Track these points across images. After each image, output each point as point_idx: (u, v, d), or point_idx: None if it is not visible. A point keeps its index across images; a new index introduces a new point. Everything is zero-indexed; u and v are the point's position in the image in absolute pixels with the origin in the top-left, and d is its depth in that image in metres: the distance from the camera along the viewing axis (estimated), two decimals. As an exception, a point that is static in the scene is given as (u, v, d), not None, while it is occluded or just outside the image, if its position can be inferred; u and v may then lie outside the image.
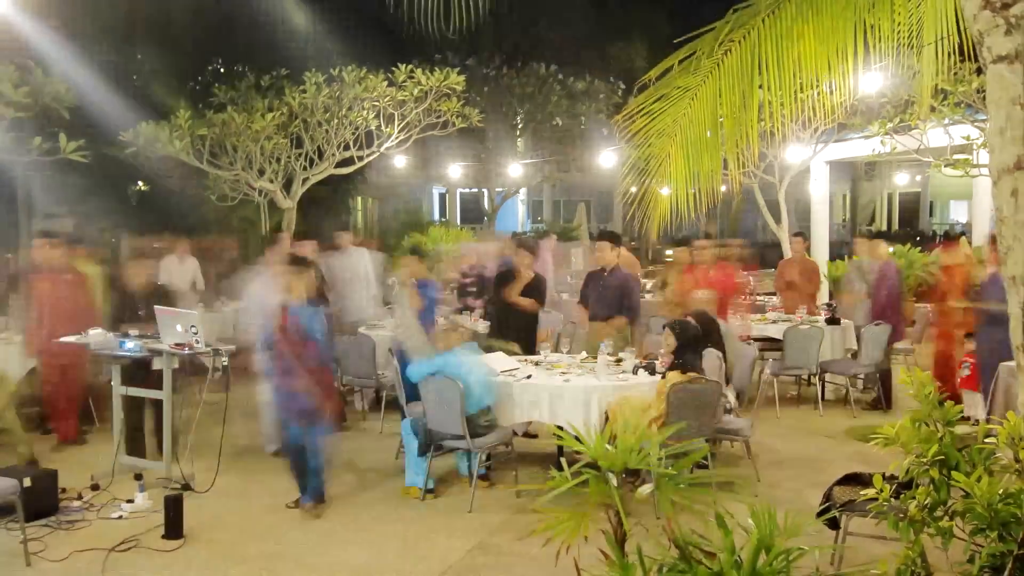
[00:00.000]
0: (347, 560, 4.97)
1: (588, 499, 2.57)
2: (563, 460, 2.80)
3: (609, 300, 7.48)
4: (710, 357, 6.28)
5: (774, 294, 11.25)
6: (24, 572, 4.81)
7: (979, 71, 5.53)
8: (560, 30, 24.15)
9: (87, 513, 5.71)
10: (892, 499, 2.71)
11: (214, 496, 6.06)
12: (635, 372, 6.35)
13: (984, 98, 5.13)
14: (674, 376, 5.86)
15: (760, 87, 4.22)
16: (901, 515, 2.65)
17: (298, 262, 6.07)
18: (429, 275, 8.13)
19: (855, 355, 8.95)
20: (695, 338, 6.11)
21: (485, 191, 24.94)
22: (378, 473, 6.68)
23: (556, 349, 8.33)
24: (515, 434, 6.52)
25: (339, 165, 11.29)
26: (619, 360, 6.70)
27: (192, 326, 6.13)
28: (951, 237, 7.56)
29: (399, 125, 10.83)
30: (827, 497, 4.55)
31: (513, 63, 22.57)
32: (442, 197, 34.44)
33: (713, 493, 2.73)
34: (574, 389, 6.11)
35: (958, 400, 6.59)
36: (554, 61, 22.87)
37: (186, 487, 6.06)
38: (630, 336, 7.49)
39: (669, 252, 27.64)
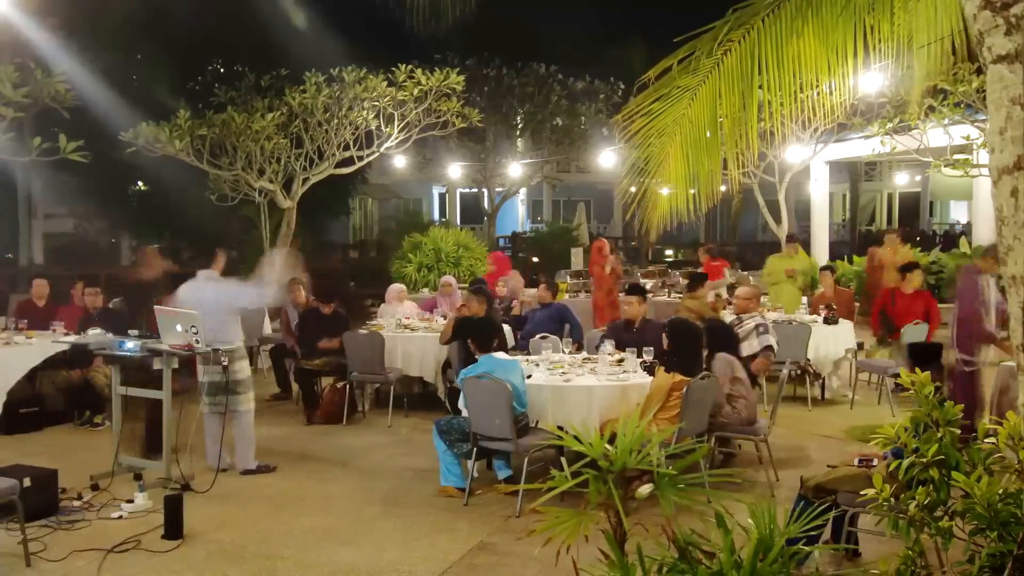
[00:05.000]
0: (347, 560, 4.96)
1: (588, 499, 2.57)
2: (563, 459, 2.79)
3: None
4: (720, 362, 6.29)
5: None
6: (24, 572, 4.81)
7: (979, 71, 5.53)
8: (560, 30, 24.15)
9: (87, 513, 5.70)
10: (892, 499, 2.72)
11: (214, 496, 6.06)
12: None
13: (984, 98, 5.13)
14: (662, 376, 5.90)
15: (760, 87, 4.23)
16: (901, 515, 2.65)
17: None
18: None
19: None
20: (688, 340, 6.14)
21: (485, 191, 24.93)
22: (379, 472, 6.68)
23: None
24: None
25: (339, 165, 11.29)
26: (620, 360, 6.71)
27: (192, 326, 6.13)
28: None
29: (399, 125, 10.83)
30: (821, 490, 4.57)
31: (513, 63, 22.57)
32: (442, 197, 34.47)
33: (716, 493, 2.73)
34: (575, 389, 6.11)
35: None
36: (554, 61, 22.88)
37: (186, 487, 6.06)
38: None
39: (669, 252, 27.51)
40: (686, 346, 6.15)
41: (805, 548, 2.59)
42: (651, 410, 5.63)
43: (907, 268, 9.22)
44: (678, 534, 2.49)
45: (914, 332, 8.53)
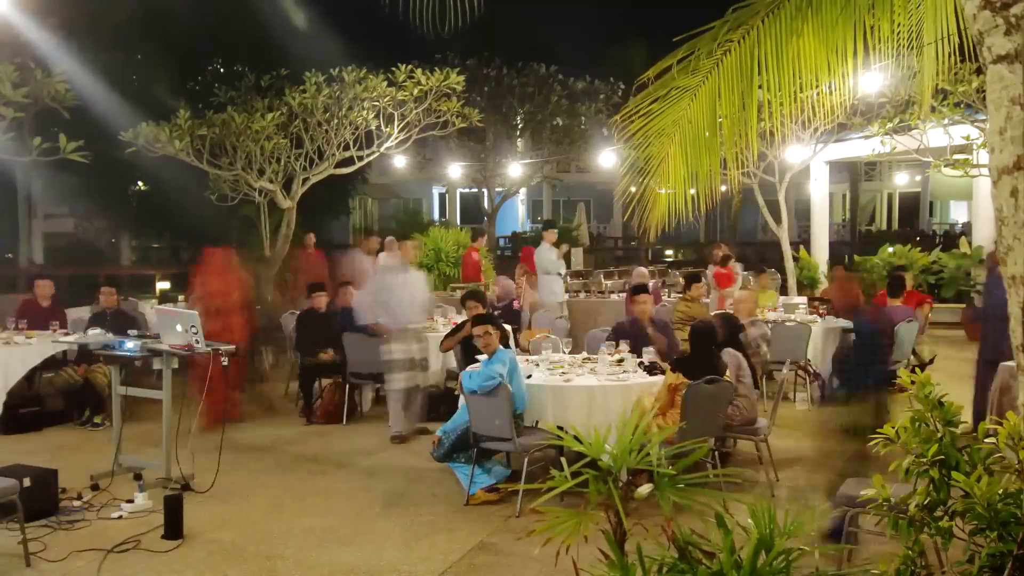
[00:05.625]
0: (347, 560, 4.97)
1: (588, 499, 2.57)
2: (563, 460, 2.78)
3: None
4: (728, 357, 6.28)
5: None
6: (24, 572, 4.81)
7: (979, 71, 5.53)
8: (560, 30, 24.12)
9: (87, 513, 5.70)
10: (892, 499, 2.71)
11: (214, 496, 6.06)
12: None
13: (984, 98, 5.13)
14: (672, 377, 5.89)
15: (759, 87, 4.22)
16: (901, 515, 2.64)
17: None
18: None
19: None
20: (704, 343, 6.13)
21: (485, 191, 24.93)
22: (379, 472, 6.68)
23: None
24: None
25: (339, 165, 11.29)
26: (620, 360, 6.71)
27: (192, 326, 6.13)
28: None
29: (399, 125, 10.83)
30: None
31: (513, 63, 22.58)
32: (442, 197, 34.47)
33: (715, 493, 2.72)
34: (575, 389, 6.11)
35: None
36: (554, 61, 22.89)
37: (186, 487, 6.06)
38: None
39: (669, 252, 27.46)
40: (701, 349, 6.14)
41: (806, 548, 2.58)
42: (654, 410, 5.62)
43: (897, 281, 9.14)
44: (678, 534, 2.49)
45: (908, 330, 8.53)
